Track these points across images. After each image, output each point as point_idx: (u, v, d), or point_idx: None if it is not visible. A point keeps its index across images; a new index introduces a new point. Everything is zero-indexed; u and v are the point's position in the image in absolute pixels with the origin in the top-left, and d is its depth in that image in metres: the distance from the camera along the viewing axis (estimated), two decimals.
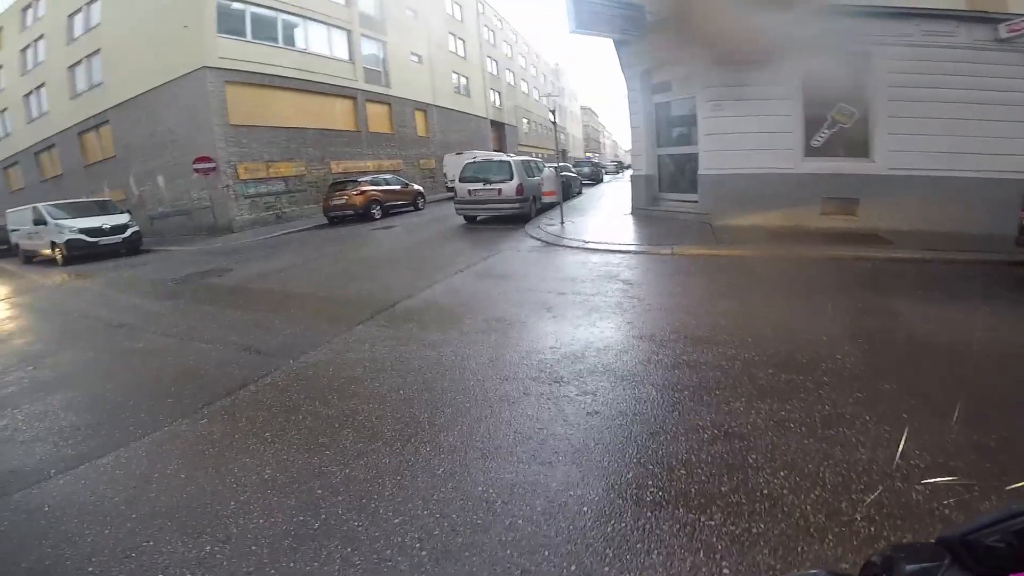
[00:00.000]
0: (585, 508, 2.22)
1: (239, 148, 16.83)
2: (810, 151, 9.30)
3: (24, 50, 23.42)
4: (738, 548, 1.93)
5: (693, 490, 2.29)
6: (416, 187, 19.67)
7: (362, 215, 16.11)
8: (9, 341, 5.87)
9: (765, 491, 2.24)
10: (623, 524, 2.11)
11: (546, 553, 1.98)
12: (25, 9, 23.20)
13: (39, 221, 14.05)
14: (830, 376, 3.33)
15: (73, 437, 3.26)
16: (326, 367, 4.08)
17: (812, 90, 8.98)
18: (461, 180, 12.64)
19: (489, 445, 2.78)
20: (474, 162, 13.03)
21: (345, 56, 21.98)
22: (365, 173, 19.83)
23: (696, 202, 10.35)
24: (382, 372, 3.87)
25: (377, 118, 23.86)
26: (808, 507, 2.12)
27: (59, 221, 13.64)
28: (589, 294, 5.57)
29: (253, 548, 2.11)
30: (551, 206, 13.07)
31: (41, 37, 22.40)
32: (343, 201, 16.16)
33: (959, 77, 8.15)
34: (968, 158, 8.12)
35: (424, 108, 27.92)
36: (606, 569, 1.88)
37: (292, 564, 2.01)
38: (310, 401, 3.48)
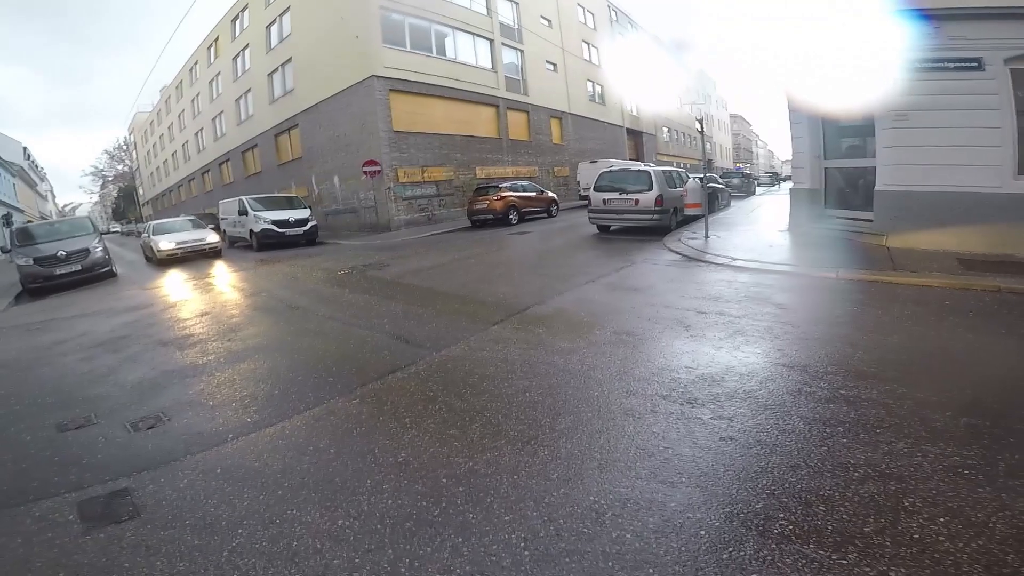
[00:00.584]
0: (702, 532, 2.14)
1: (400, 153, 18.66)
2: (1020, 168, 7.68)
3: (235, 58, 28.28)
4: None
5: (830, 527, 2.10)
6: (551, 194, 20.07)
7: (501, 219, 16.89)
8: (219, 314, 7.18)
9: (916, 535, 2.01)
10: (741, 553, 1.99)
11: (650, 571, 1.94)
12: (234, 20, 27.93)
13: (242, 212, 16.98)
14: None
15: (252, 406, 3.83)
16: (463, 362, 4.36)
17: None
18: (596, 189, 12.60)
19: (607, 457, 2.76)
20: (610, 171, 12.95)
21: (488, 65, 23.23)
22: (505, 179, 20.79)
23: (871, 221, 9.10)
24: (511, 373, 4.03)
25: (516, 125, 24.85)
26: (964, 556, 1.88)
27: (257, 212, 16.35)
28: (734, 316, 5.20)
29: (378, 527, 2.34)
30: (694, 219, 12.46)
31: (247, 47, 26.86)
32: (485, 205, 17.12)
33: None
34: None
35: (559, 116, 28.41)
36: None
37: (408, 546, 2.19)
38: (446, 393, 3.75)
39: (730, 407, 3.25)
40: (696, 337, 4.61)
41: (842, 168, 10.29)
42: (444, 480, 2.66)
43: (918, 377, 3.52)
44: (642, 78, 37.58)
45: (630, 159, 32.27)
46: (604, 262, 8.69)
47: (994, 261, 7.09)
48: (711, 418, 3.12)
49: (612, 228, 12.75)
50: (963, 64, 7.90)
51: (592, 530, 2.20)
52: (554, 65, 28.21)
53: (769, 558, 1.97)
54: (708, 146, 52.86)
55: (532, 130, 26.05)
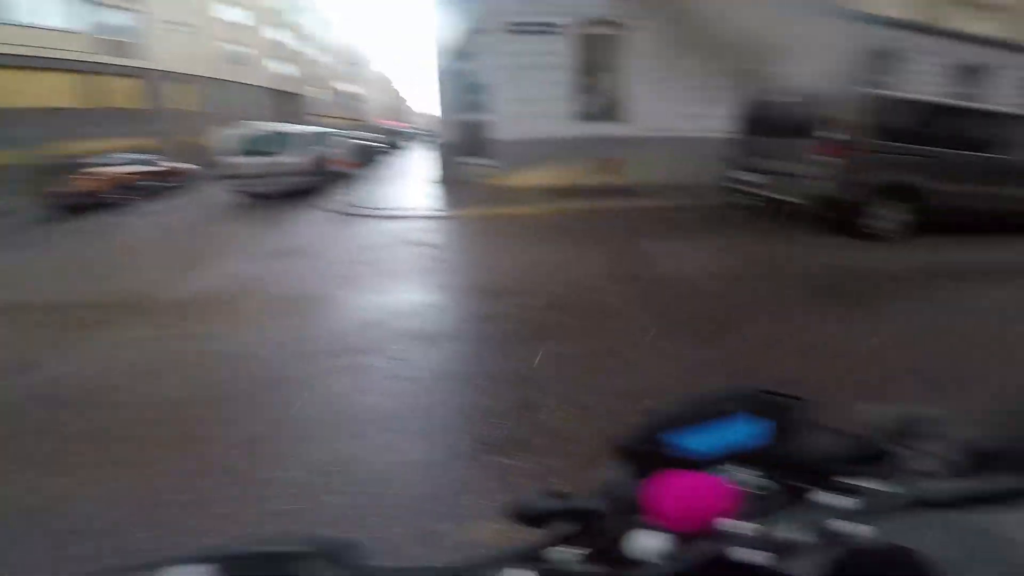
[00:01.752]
0: (406, 468, 2.22)
1: None
2: (581, 116, 10.49)
3: None
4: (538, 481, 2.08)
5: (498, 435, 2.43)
6: (182, 165, 16.79)
7: (102, 202, 13.16)
8: None
9: (551, 424, 2.49)
10: (446, 477, 2.15)
11: (376, 519, 1.91)
12: None
13: None
14: (599, 314, 3.85)
15: None
16: (73, 379, 3.23)
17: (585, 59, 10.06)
18: (235, 155, 11.14)
19: (296, 431, 2.55)
20: (252, 135, 11.54)
21: (73, 25, 17.51)
22: (108, 154, 16.26)
23: (494, 166, 10.83)
24: (153, 376, 3.21)
25: (122, 93, 19.81)
26: (586, 435, 2.36)
27: None
28: (387, 260, 5.45)
29: None
30: (347, 177, 12.40)
31: None
32: (74, 189, 12.96)
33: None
34: (698, 120, 9.94)
35: (191, 80, 24.14)
36: (440, 525, 1.87)
37: None
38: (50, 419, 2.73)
39: (398, 348, 3.38)
40: (357, 288, 4.64)
41: (474, 122, 11.81)
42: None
43: (532, 287, 4.41)
44: (296, 39, 34.51)
45: (282, 121, 29.57)
46: (252, 232, 7.83)
47: (573, 189, 9.46)
48: (384, 363, 3.20)
49: (260, 194, 11.50)
50: (544, 28, 9.97)
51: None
52: (186, 25, 23.33)
53: (466, 477, 2.14)
54: (363, 106, 53.02)
55: (150, 97, 21.12)
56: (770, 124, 6.74)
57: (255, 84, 30.68)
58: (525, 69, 10.02)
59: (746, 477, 0.49)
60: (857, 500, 0.45)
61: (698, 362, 3.05)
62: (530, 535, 0.50)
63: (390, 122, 62.92)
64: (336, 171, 12.27)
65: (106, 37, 19.23)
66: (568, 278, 4.59)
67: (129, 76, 20.18)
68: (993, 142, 6.20)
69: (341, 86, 45.55)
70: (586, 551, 0.47)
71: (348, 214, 8.53)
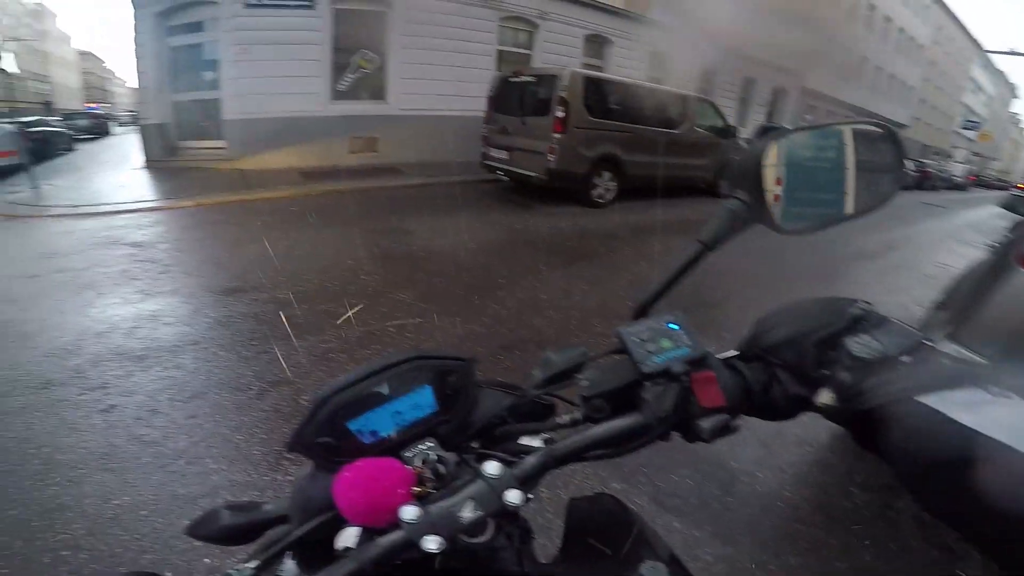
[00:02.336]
0: (144, 512, 1.80)
1: None
2: (337, 95, 9.79)
3: None
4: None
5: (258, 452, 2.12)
6: None
7: None
8: None
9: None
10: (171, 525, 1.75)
11: None
12: None
13: None
14: (358, 297, 3.60)
15: None
16: None
17: (341, 36, 9.28)
18: None
19: None
20: None
21: None
22: None
23: (224, 148, 9.38)
24: None
25: None
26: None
27: None
28: (79, 268, 4.23)
29: None
30: (15, 169, 9.33)
31: None
32: None
33: (451, 29, 9.99)
34: (455, 100, 10.17)
35: None
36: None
37: None
38: None
39: (97, 374, 2.65)
40: (27, 308, 3.48)
41: (195, 100, 9.97)
42: None
43: (276, 280, 3.91)
44: None
45: None
46: None
47: (326, 171, 8.81)
48: (80, 394, 2.48)
49: None
50: (299, 4, 8.92)
51: None
52: None
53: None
54: (47, 87, 40.51)
55: None
56: (512, 103, 7.28)
57: None
58: (267, 45, 8.88)
59: (425, 453, 0.47)
60: (518, 463, 0.45)
61: (464, 334, 3.12)
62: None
63: (93, 103, 50.04)
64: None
65: None
66: (320, 265, 4.23)
67: None
68: (670, 119, 7.81)
69: (13, 64, 34.21)
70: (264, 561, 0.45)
71: (14, 216, 6.40)
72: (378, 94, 10.19)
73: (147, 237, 5.16)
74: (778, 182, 0.56)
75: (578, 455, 0.47)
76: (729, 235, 0.54)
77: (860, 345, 0.45)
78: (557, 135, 6.49)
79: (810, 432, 2.40)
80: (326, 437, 0.46)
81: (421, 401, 0.49)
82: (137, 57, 9.73)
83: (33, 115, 19.13)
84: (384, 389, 0.47)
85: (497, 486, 0.42)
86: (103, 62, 75.15)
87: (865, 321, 0.47)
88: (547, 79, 6.83)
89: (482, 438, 0.53)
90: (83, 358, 2.81)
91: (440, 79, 10.14)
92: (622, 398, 0.48)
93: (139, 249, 4.72)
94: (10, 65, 8.44)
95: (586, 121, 6.67)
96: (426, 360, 0.49)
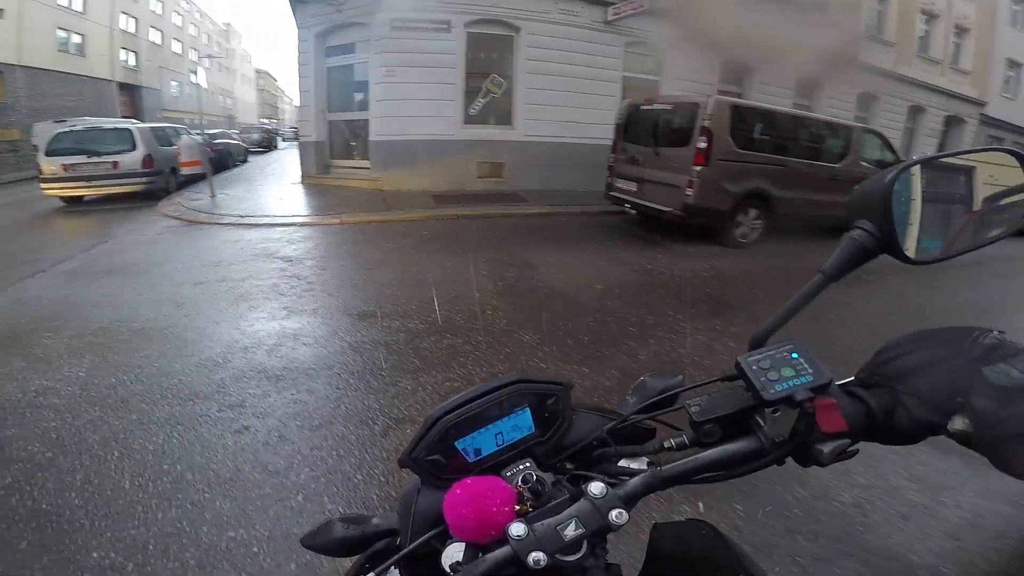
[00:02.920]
0: (255, 549, 1.77)
1: None
2: (468, 119, 10.08)
3: None
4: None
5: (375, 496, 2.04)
6: None
7: None
8: None
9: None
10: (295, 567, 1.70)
11: None
12: None
13: None
14: (484, 335, 3.49)
15: None
16: None
17: (473, 59, 9.65)
18: (51, 154, 9.36)
19: (98, 508, 1.94)
20: (71, 131, 9.74)
21: None
22: None
23: (368, 168, 10.11)
24: None
25: None
26: None
27: None
28: (238, 279, 4.65)
29: None
30: (199, 178, 10.88)
31: None
32: None
33: (576, 54, 9.90)
34: (579, 127, 10.07)
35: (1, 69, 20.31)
36: None
37: None
38: None
39: (237, 391, 2.79)
40: (192, 315, 3.84)
41: (344, 121, 10.93)
42: None
43: (407, 308, 3.96)
44: (148, 27, 29.80)
45: (124, 116, 25.89)
46: (67, 242, 6.40)
47: (455, 195, 9.10)
48: (218, 410, 2.60)
49: (86, 199, 9.75)
50: (437, 27, 9.36)
51: None
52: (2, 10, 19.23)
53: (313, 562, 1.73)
54: (229, 101, 47.93)
55: None
56: (644, 132, 6.94)
57: (95, 76, 26.42)
58: (409, 67, 9.37)
59: (524, 472, 0.50)
60: (621, 483, 0.47)
61: (591, 387, 2.86)
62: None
63: (265, 119, 58.04)
64: (185, 172, 10.70)
65: None
66: (449, 295, 4.21)
67: None
68: (831, 152, 6.94)
69: (204, 79, 40.90)
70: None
71: (194, 222, 7.36)
72: (505, 119, 10.33)
73: (296, 252, 5.59)
74: (908, 211, 0.55)
75: (687, 477, 0.48)
76: (854, 265, 0.53)
77: (998, 373, 0.43)
78: (698, 168, 6.01)
79: (1013, 524, 1.91)
80: (436, 455, 0.50)
81: (521, 423, 0.52)
82: (300, 76, 10.82)
83: (217, 128, 22.52)
84: (488, 411, 0.51)
85: (602, 505, 0.44)
86: (276, 80, 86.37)
87: (1001, 350, 0.45)
88: (686, 107, 6.40)
89: (577, 460, 0.56)
90: (228, 372, 2.98)
91: (565, 105, 10.03)
92: (734, 423, 0.49)
93: (289, 264, 5.10)
94: (202, 80, 10.09)
95: (732, 153, 6.11)
96: (527, 384, 0.53)
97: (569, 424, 0.55)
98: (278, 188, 10.53)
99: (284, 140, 38.40)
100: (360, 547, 0.58)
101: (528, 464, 0.52)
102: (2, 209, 9.69)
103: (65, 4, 24.89)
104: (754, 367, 0.49)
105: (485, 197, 8.88)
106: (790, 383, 0.48)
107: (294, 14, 10.48)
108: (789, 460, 0.49)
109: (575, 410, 0.56)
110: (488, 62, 10.02)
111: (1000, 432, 0.41)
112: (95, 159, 9.29)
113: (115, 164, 9.38)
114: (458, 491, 0.46)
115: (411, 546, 0.49)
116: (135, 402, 2.66)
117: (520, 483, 0.48)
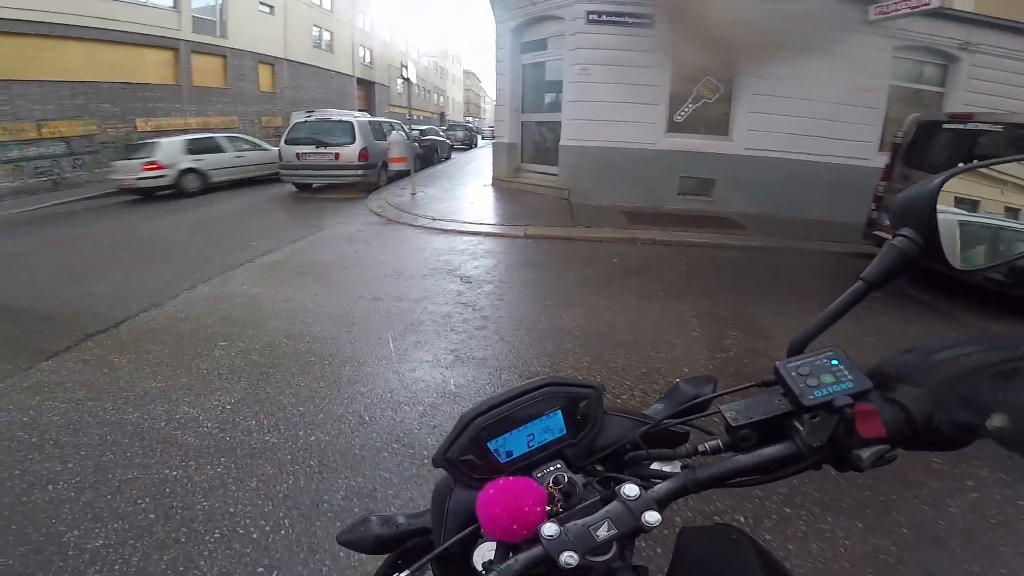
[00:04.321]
0: None
1: None
2: (673, 126, 8.71)
3: None
4: None
5: None
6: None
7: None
8: None
9: None
10: None
11: None
12: None
13: None
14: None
15: None
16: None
17: (682, 61, 8.34)
18: (288, 142, 10.64)
19: None
20: (305, 122, 10.93)
21: (166, 3, 17.91)
22: (187, 131, 16.52)
23: (556, 175, 9.47)
24: (35, 453, 2.27)
25: (206, 71, 20.17)
26: None
27: None
28: (414, 300, 4.29)
29: None
30: (405, 174, 11.52)
31: None
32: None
33: (820, 56, 7.87)
34: (820, 142, 8.08)
35: (271, 62, 24.59)
36: None
37: None
38: None
39: (371, 472, 2.24)
40: (356, 340, 3.50)
41: (536, 122, 10.48)
42: None
43: (591, 368, 3.12)
44: (380, 27, 34.77)
45: (360, 110, 30.17)
46: (284, 230, 6.94)
47: (651, 213, 7.97)
48: (344, 497, 2.10)
49: (314, 186, 10.96)
50: (637, 19, 8.19)
51: None
52: (270, 7, 23.78)
53: None
54: (441, 99, 53.11)
55: (230, 76, 21.53)
56: (942, 158, 5.01)
57: (339, 71, 30.89)
58: (606, 66, 8.30)
59: (555, 474, 0.51)
60: (653, 485, 0.48)
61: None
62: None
63: (469, 118, 63.07)
64: (393, 167, 11.40)
65: (198, 16, 19.53)
66: (645, 363, 3.22)
67: (213, 55, 20.45)
68: None
69: (421, 78, 45.57)
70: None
71: (392, 220, 7.51)
72: (719, 128, 8.65)
73: (477, 271, 5.12)
74: (952, 218, 0.52)
75: (721, 481, 0.48)
76: (896, 273, 0.51)
77: None
78: None
79: None
80: (469, 455, 0.51)
81: (552, 425, 0.54)
82: (497, 74, 10.56)
83: (427, 123, 24.49)
84: (521, 412, 0.52)
85: (636, 507, 0.44)
86: (480, 81, 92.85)
87: None
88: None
89: (608, 463, 0.57)
90: (368, 438, 2.42)
91: (800, 115, 7.99)
92: (770, 429, 0.49)
93: (467, 287, 4.62)
94: (412, 75, 10.78)
95: None
96: (559, 387, 0.54)
97: (600, 427, 0.56)
98: (472, 189, 10.55)
99: (483, 139, 40.89)
100: (393, 545, 0.60)
101: (559, 465, 0.53)
102: (252, 191, 11.35)
103: (317, 2, 29.10)
104: (793, 373, 0.49)
105: (688, 219, 7.57)
106: (829, 389, 0.47)
107: (492, 8, 10.23)
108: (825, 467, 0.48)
109: (606, 413, 0.57)
110: (700, 62, 8.32)
111: None
112: (322, 149, 10.26)
113: (336, 155, 10.26)
114: (491, 491, 0.46)
115: (444, 545, 0.49)
116: (260, 461, 2.25)
117: (551, 484, 0.49)
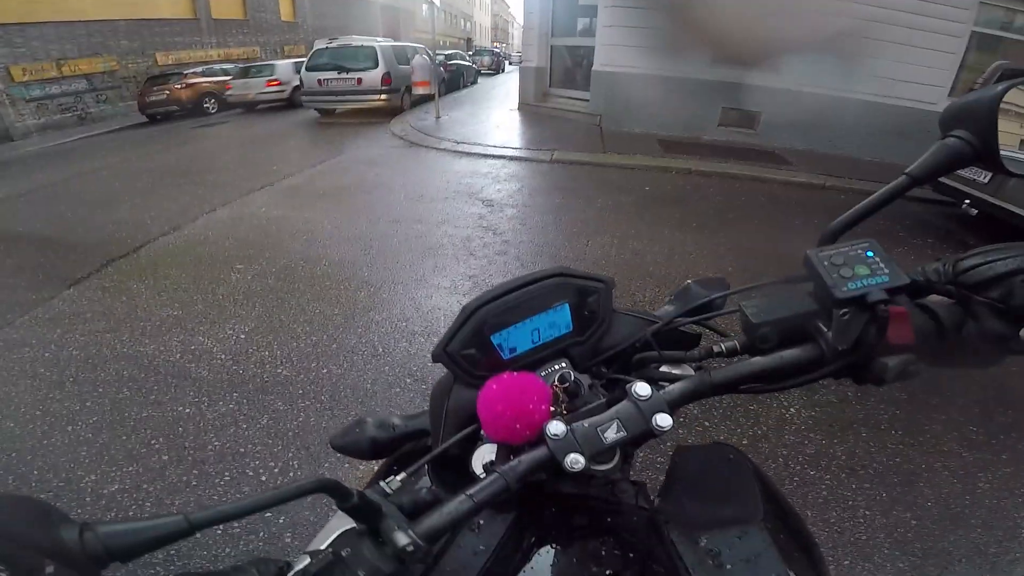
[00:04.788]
0: None
1: (10, 49, 12.49)
2: (718, 56, 8.03)
3: None
4: None
5: None
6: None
7: (191, 110, 12.96)
8: None
9: None
10: None
11: None
12: None
13: None
14: (722, 400, 2.27)
15: None
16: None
17: None
18: (310, 69, 10.40)
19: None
20: (327, 48, 10.61)
21: None
22: (206, 63, 16.18)
23: (588, 101, 8.92)
24: (56, 391, 2.28)
25: (224, 3, 19.56)
26: None
27: None
28: (434, 223, 4.13)
29: None
30: (429, 97, 11.08)
31: None
32: (163, 96, 12.91)
33: None
34: (883, 83, 7.28)
35: None
36: None
37: None
38: None
39: (385, 404, 2.18)
40: (373, 263, 3.40)
41: (567, 47, 9.83)
42: None
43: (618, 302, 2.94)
44: None
45: (385, 36, 29.01)
46: (304, 155, 6.77)
47: (688, 143, 7.47)
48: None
49: (337, 111, 10.71)
50: None
51: None
52: None
53: None
54: (468, 25, 50.39)
55: (250, 7, 20.85)
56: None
57: None
58: None
59: (560, 372, 0.46)
60: (662, 388, 0.44)
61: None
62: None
63: (497, 43, 59.89)
64: (417, 91, 10.96)
65: None
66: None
67: None
68: None
69: (447, 3, 43.06)
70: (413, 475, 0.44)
71: (415, 143, 7.23)
72: (769, 60, 7.91)
73: (499, 194, 4.90)
74: (1007, 125, 0.49)
75: (736, 385, 0.45)
76: (944, 171, 0.47)
77: None
78: None
79: None
80: (471, 348, 0.48)
81: (559, 320, 0.50)
82: None
83: (453, 49, 23.40)
84: (527, 303, 0.49)
85: (647, 408, 0.41)
86: (508, 7, 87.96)
87: None
88: None
89: (615, 364, 0.53)
90: (382, 370, 2.35)
91: (863, 53, 7.15)
92: (793, 329, 0.45)
93: (489, 210, 4.43)
94: (437, 1, 10.20)
95: None
96: (568, 278, 0.50)
97: (609, 325, 0.53)
98: (498, 113, 10.10)
99: (511, 64, 39.27)
100: (388, 449, 0.57)
101: (564, 364, 0.50)
102: (274, 119, 11.10)
103: None
104: (826, 263, 0.44)
105: (728, 151, 7.07)
106: (865, 282, 0.43)
107: None
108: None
109: (615, 312, 0.54)
110: None
111: None
112: (344, 75, 10.04)
113: (359, 80, 10.02)
114: (494, 386, 0.43)
115: (443, 445, 0.47)
116: (272, 397, 2.20)
117: (556, 382, 0.45)
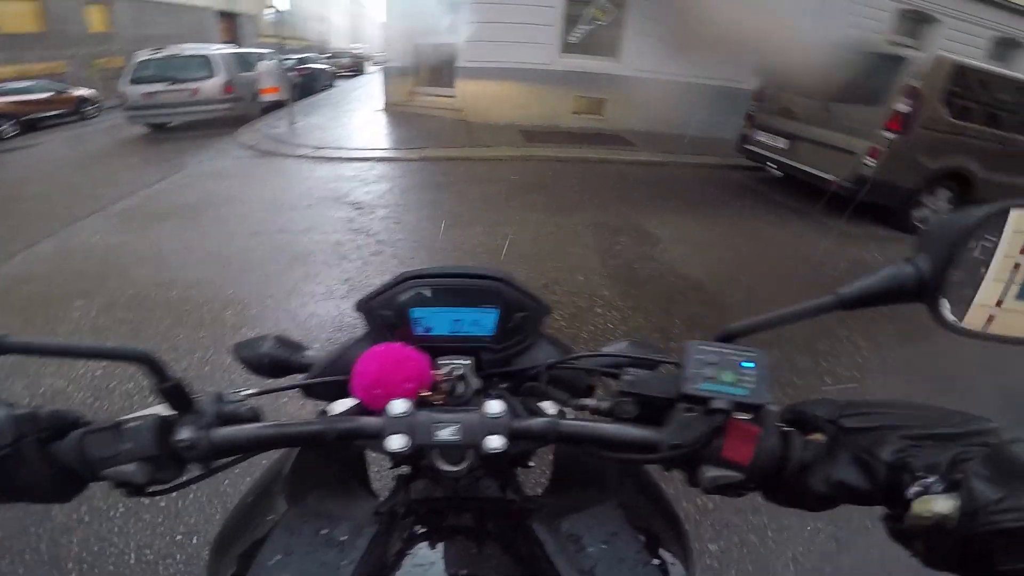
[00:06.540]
0: None
1: None
2: (567, 47, 8.60)
3: None
4: None
5: None
6: (80, 92, 14.19)
7: None
8: None
9: None
10: None
11: None
12: None
13: None
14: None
15: None
16: None
17: None
18: (135, 82, 9.28)
19: None
20: (151, 59, 9.54)
21: None
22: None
23: (453, 97, 9.07)
24: None
25: (16, 17, 17.00)
26: None
27: None
28: (298, 230, 3.98)
29: None
30: (280, 104, 10.41)
31: None
32: None
33: None
34: (704, 65, 8.28)
35: (105, 1, 20.89)
36: None
37: None
38: None
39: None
40: (236, 278, 3.21)
41: (433, 44, 9.86)
42: None
43: None
44: None
45: (225, 42, 26.54)
46: (136, 174, 6.03)
47: (547, 131, 7.94)
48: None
49: (171, 125, 9.67)
50: None
51: None
52: None
53: None
54: (324, 27, 47.62)
55: (50, 19, 18.13)
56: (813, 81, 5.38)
57: (195, 5, 26.75)
58: None
59: (457, 367, 0.49)
60: (523, 417, 0.45)
61: None
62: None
63: (356, 44, 57.41)
64: (265, 99, 10.25)
65: None
66: (546, 274, 3.28)
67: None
68: None
69: (295, 4, 40.59)
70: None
71: (267, 153, 6.81)
72: (610, 50, 8.65)
73: (369, 196, 4.83)
74: (981, 265, 0.37)
75: (577, 441, 0.44)
76: (880, 301, 0.40)
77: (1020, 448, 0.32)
78: (891, 134, 4.51)
79: None
80: (388, 311, 0.50)
81: (484, 321, 0.51)
82: None
83: (305, 52, 22.20)
84: (460, 293, 0.50)
85: (486, 426, 0.41)
86: (364, 7, 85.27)
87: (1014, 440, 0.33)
88: (884, 60, 4.77)
89: (511, 382, 0.54)
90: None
91: (683, 41, 8.16)
92: (654, 409, 0.45)
93: (358, 213, 4.36)
94: (283, 3, 9.58)
95: (941, 123, 4.55)
96: (509, 287, 0.51)
97: (530, 347, 0.53)
98: (359, 116, 9.83)
99: (374, 64, 38.32)
100: (282, 371, 0.57)
101: (467, 363, 0.50)
102: (92, 136, 9.74)
103: None
104: (697, 356, 0.42)
105: (582, 136, 7.64)
106: (720, 388, 0.40)
107: None
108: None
109: (542, 337, 0.54)
110: None
111: (994, 524, 0.30)
112: (176, 86, 9.13)
113: (195, 91, 9.20)
114: (379, 350, 0.45)
115: (305, 381, 0.52)
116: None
117: (446, 374, 0.47)
